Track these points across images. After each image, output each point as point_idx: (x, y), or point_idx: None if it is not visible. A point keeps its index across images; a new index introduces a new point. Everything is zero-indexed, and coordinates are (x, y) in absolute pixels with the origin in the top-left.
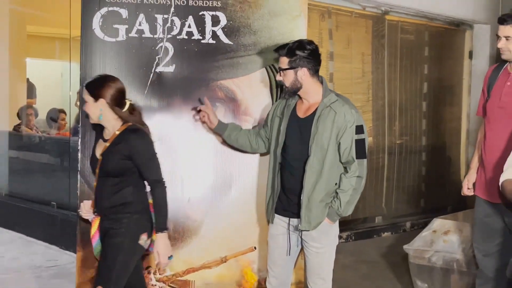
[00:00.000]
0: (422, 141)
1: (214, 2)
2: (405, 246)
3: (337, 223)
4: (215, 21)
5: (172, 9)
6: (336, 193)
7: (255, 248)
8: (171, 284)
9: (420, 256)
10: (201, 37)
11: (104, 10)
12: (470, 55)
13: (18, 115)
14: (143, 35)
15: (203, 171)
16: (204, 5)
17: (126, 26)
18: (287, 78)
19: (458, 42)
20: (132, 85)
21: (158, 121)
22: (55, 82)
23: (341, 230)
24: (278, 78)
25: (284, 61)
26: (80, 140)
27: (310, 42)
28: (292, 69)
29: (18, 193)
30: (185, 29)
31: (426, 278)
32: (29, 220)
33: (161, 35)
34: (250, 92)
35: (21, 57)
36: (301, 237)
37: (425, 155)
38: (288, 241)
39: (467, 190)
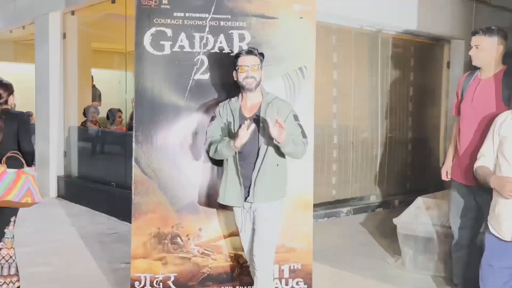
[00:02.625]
0: (408, 135)
1: (240, 22)
2: (394, 219)
3: (280, 203)
4: (241, 38)
5: (207, 29)
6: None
7: None
8: (206, 248)
9: (407, 227)
10: (230, 51)
11: (153, 29)
12: (448, 65)
13: (84, 114)
14: (184, 50)
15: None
16: (233, 25)
17: (171, 42)
18: (259, 74)
19: (438, 54)
20: (175, 90)
21: (195, 119)
22: (115, 87)
23: (341, 206)
24: (251, 73)
25: (257, 60)
26: (134, 133)
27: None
28: (261, 68)
29: (85, 175)
30: (217, 44)
31: (411, 245)
32: (94, 196)
33: (198, 50)
34: None
35: (87, 68)
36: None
37: (410, 146)
38: (244, 219)
39: (445, 176)
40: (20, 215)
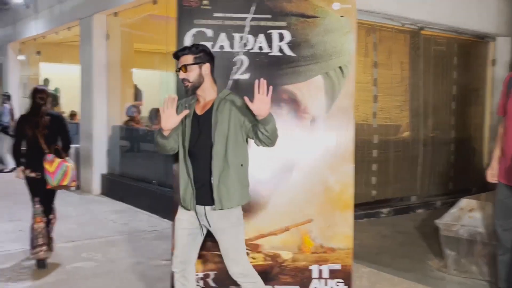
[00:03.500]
0: (451, 135)
1: (280, 22)
2: (436, 221)
3: (239, 209)
4: (281, 37)
5: (247, 29)
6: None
7: (311, 220)
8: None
9: (449, 229)
10: (269, 51)
11: (194, 30)
12: (493, 63)
13: (127, 113)
14: (224, 50)
15: (270, 157)
16: (273, 25)
17: (211, 43)
18: (192, 74)
19: (482, 52)
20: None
21: None
22: (155, 87)
23: (382, 207)
24: (182, 76)
25: (189, 59)
26: None
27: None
28: (197, 64)
29: (127, 173)
30: (257, 44)
31: (454, 247)
32: (136, 194)
33: (238, 50)
34: (309, 94)
35: (129, 68)
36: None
37: (453, 146)
38: (199, 224)
39: (491, 178)
40: (65, 212)
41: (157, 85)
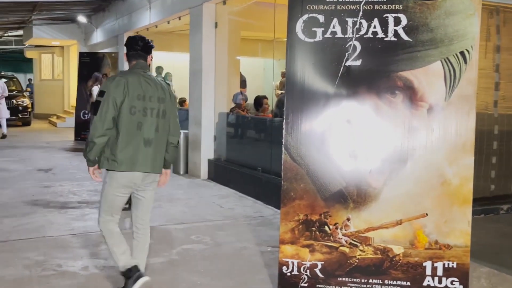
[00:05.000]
0: None
1: (396, 5)
2: None
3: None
4: (397, 21)
5: (361, 13)
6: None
7: (426, 214)
8: (354, 239)
9: None
10: (384, 36)
11: (305, 16)
12: None
13: (233, 100)
14: (336, 36)
15: (383, 147)
16: (388, 8)
17: (323, 29)
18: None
19: None
20: (325, 76)
21: (346, 106)
22: (258, 74)
23: (501, 203)
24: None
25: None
26: (284, 120)
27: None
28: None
29: (233, 159)
30: (371, 29)
31: None
32: (241, 180)
33: (351, 35)
34: (426, 81)
35: (236, 56)
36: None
37: None
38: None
39: None
40: (175, 195)
41: (259, 72)
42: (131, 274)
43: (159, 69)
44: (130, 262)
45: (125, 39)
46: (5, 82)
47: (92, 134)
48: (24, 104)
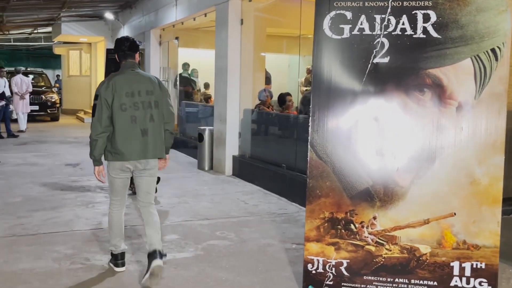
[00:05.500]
0: None
1: (425, 2)
2: None
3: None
4: (426, 18)
5: (389, 10)
6: None
7: (454, 214)
8: (380, 238)
9: None
10: (412, 33)
11: (332, 13)
12: None
13: (258, 97)
14: (364, 33)
15: (410, 145)
16: (417, 5)
17: (350, 26)
18: None
19: None
20: (352, 74)
21: (373, 103)
22: (283, 71)
23: None
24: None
25: None
26: (310, 117)
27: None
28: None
29: (258, 155)
30: (399, 26)
31: None
32: (265, 176)
33: (379, 32)
34: (456, 79)
35: (260, 53)
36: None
37: None
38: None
39: None
40: (199, 190)
41: (284, 69)
42: (117, 259)
43: (185, 65)
44: (120, 248)
45: (152, 36)
46: (34, 78)
47: (93, 134)
48: (53, 100)
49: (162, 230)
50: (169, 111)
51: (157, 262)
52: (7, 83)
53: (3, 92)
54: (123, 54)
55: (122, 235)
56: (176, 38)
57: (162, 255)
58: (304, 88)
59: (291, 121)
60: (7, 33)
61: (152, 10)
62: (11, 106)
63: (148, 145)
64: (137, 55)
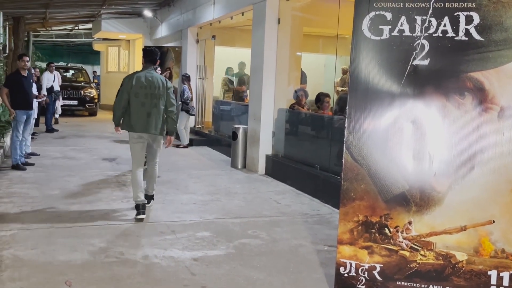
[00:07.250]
0: None
1: (469, 3)
2: None
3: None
4: (469, 20)
5: (430, 11)
6: None
7: (493, 221)
8: (415, 243)
9: None
10: (454, 35)
11: (372, 14)
12: None
13: (293, 97)
14: (403, 34)
15: (449, 150)
16: (459, 6)
17: (390, 27)
18: None
19: None
20: (391, 75)
21: (411, 106)
22: (318, 71)
23: None
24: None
25: None
26: (346, 119)
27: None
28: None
29: (291, 155)
30: (441, 28)
31: None
32: (298, 177)
33: (419, 34)
34: (498, 83)
35: (296, 52)
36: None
37: None
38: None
39: None
40: (232, 189)
41: (320, 69)
42: (138, 208)
43: (240, 65)
44: (140, 200)
45: (189, 34)
46: (73, 74)
47: (115, 108)
48: (91, 95)
49: (194, 226)
50: (170, 101)
51: (140, 216)
52: (57, 78)
53: (52, 87)
54: (145, 61)
55: (142, 188)
56: (213, 36)
57: (151, 199)
58: (340, 88)
59: (325, 122)
60: (50, 29)
61: (190, 8)
62: (57, 102)
63: (150, 124)
64: (157, 62)
